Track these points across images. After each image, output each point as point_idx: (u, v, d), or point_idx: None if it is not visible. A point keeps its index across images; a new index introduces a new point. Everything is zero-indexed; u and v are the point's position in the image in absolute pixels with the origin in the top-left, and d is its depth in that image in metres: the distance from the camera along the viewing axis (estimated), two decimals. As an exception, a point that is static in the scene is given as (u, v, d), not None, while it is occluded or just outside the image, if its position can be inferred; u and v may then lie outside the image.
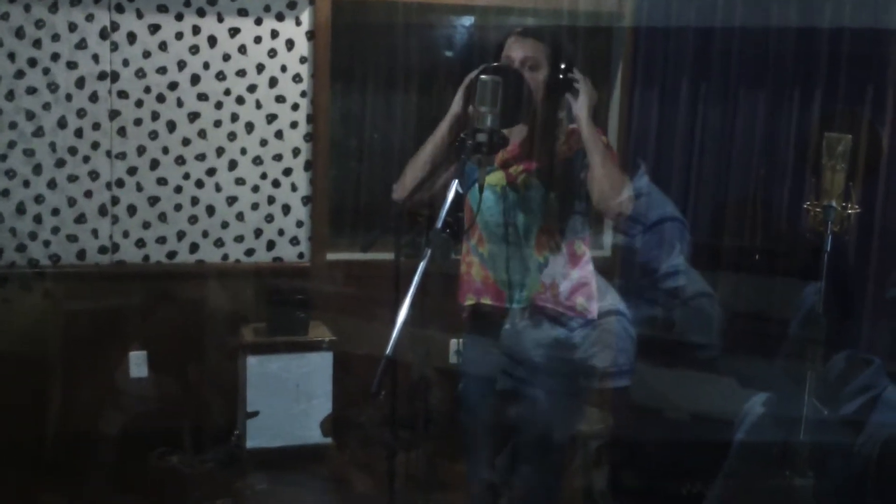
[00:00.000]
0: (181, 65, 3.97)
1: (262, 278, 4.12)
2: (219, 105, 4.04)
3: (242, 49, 4.04)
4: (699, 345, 3.45)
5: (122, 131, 3.94)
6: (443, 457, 3.54)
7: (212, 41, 4.00)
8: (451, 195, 2.08)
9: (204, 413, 4.06)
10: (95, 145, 3.92)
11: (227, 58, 4.02)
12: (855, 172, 2.88)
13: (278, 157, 4.15)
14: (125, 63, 3.90)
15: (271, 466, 3.85)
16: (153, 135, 3.98)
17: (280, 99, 4.11)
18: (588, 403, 3.04)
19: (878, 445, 2.70)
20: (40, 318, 3.90)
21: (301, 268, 4.21)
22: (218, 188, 4.09)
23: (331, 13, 4.09)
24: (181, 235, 4.07)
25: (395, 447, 2.66)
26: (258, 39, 4.05)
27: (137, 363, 4.02)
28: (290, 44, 4.09)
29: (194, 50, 3.98)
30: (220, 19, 4.00)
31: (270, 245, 4.19)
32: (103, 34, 3.87)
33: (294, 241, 4.21)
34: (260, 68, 4.07)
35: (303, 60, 4.11)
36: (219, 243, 4.12)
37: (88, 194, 3.93)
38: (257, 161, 4.12)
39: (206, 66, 4.00)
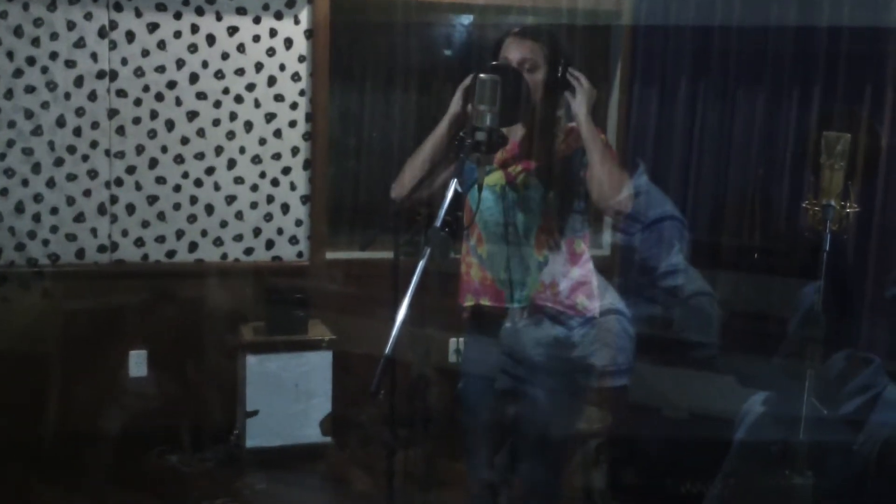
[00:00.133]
0: (180, 63, 3.97)
1: (262, 277, 4.12)
2: (217, 104, 4.04)
3: (241, 48, 4.04)
4: (698, 343, 3.45)
5: (120, 130, 3.94)
6: (442, 456, 3.54)
7: (210, 40, 4.00)
8: (450, 194, 2.07)
9: (203, 412, 4.06)
10: (94, 144, 3.91)
11: (225, 56, 4.02)
12: (854, 171, 2.88)
13: (277, 156, 4.15)
14: (124, 62, 3.90)
15: (271, 465, 3.85)
16: (152, 133, 3.98)
17: (279, 98, 4.11)
18: (587, 402, 3.04)
19: (878, 445, 2.70)
20: (39, 317, 3.90)
21: (300, 267, 4.21)
22: (217, 187, 4.08)
23: (329, 12, 4.09)
24: (180, 234, 4.06)
25: (394, 446, 2.66)
26: (257, 38, 4.05)
27: (136, 362, 4.02)
28: (288, 42, 4.09)
29: (193, 49, 3.98)
30: (219, 18, 3.99)
31: (269, 244, 4.19)
32: (102, 33, 3.86)
33: (293, 240, 4.21)
34: (258, 67, 4.07)
35: (301, 59, 4.11)
36: (218, 242, 4.12)
37: (87, 193, 3.93)
38: (256, 160, 4.12)
39: (205, 64, 4.00)
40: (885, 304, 3.62)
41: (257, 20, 4.04)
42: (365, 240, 4.22)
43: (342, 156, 4.40)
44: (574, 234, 2.47)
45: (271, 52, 4.07)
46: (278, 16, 4.06)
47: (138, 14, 3.89)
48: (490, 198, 2.46)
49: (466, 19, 4.51)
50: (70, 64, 3.84)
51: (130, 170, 3.97)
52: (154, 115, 3.97)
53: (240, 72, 4.05)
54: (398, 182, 2.53)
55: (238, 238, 4.14)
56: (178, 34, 3.95)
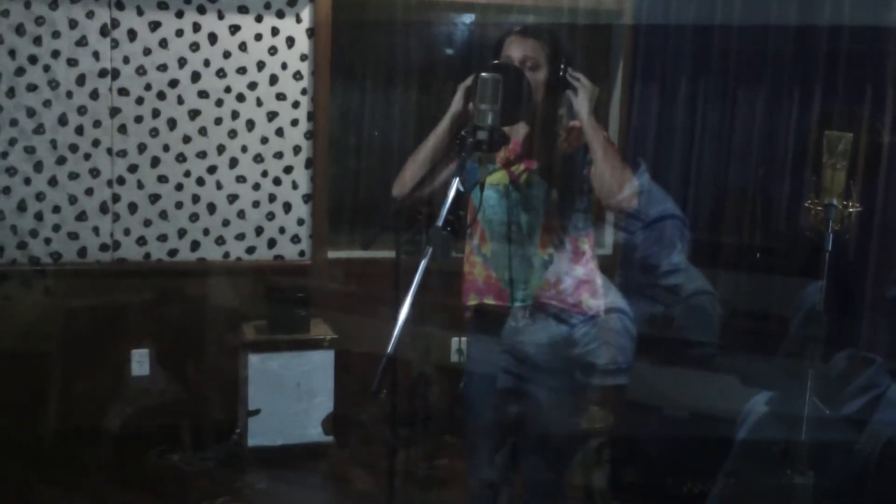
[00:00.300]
0: (182, 62, 3.97)
1: (263, 276, 4.12)
2: (219, 102, 4.04)
3: (243, 46, 4.04)
4: (698, 342, 3.45)
5: (122, 129, 3.94)
6: (443, 455, 3.55)
7: (212, 38, 4.00)
8: (451, 193, 2.07)
9: (205, 411, 4.07)
10: (96, 143, 3.92)
11: (227, 55, 4.02)
12: (855, 171, 2.88)
13: (279, 155, 4.15)
14: (126, 60, 3.90)
15: (272, 464, 3.85)
16: (154, 132, 3.98)
17: (281, 96, 4.11)
18: (589, 401, 3.04)
19: (881, 445, 2.70)
20: (41, 315, 3.90)
21: (302, 266, 4.21)
22: (219, 186, 4.09)
23: (331, 10, 4.09)
24: (182, 233, 4.07)
25: (395, 445, 2.66)
26: (259, 37, 4.05)
27: (138, 361, 4.02)
28: (290, 41, 4.09)
29: (195, 47, 3.98)
30: (221, 16, 4.00)
31: (271, 243, 4.19)
32: (104, 31, 3.87)
33: (295, 238, 4.22)
34: (260, 66, 4.07)
35: (303, 58, 4.11)
36: (220, 241, 4.12)
37: (89, 192, 3.93)
38: (258, 159, 4.12)
39: (207, 63, 4.00)
40: (887, 304, 3.62)
41: (259, 19, 4.04)
42: (366, 239, 4.22)
43: (344, 154, 4.40)
44: (577, 233, 2.48)
45: (273, 50, 4.08)
46: (280, 14, 4.06)
47: (140, 12, 3.89)
48: (493, 197, 2.46)
49: (468, 18, 4.51)
50: (72, 62, 3.84)
51: (132, 168, 3.98)
52: (156, 113, 3.97)
53: (242, 70, 4.05)
54: (399, 181, 2.53)
55: (240, 237, 4.14)
56: (179, 33, 3.95)
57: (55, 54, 3.82)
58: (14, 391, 3.81)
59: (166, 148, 4.00)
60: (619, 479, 3.37)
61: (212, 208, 4.09)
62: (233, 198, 4.11)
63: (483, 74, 2.19)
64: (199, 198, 4.07)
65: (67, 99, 3.85)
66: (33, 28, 3.79)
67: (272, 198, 4.16)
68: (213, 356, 4.05)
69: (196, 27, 3.97)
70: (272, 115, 4.11)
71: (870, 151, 3.31)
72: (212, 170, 4.07)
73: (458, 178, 2.09)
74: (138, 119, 3.95)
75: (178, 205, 4.05)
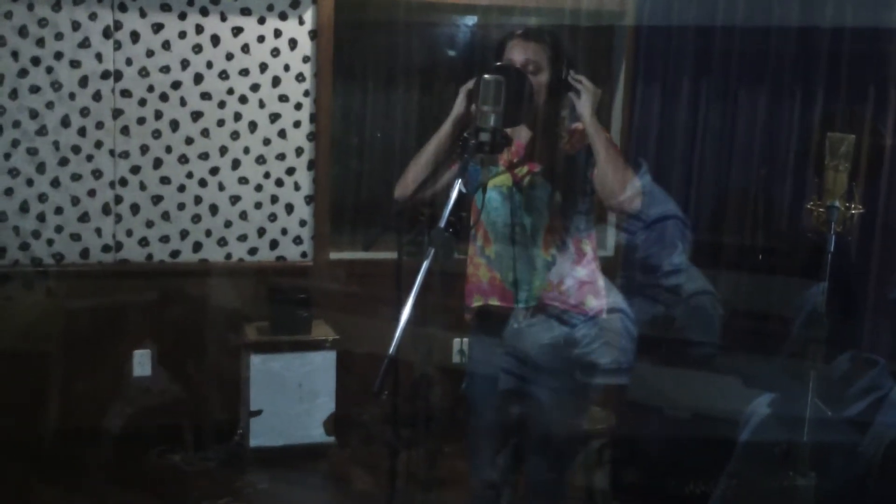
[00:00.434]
0: (184, 64, 3.98)
1: (266, 277, 4.13)
2: (222, 104, 4.05)
3: (245, 48, 4.04)
4: (699, 342, 3.45)
5: (125, 130, 3.95)
6: (444, 455, 3.55)
7: (215, 40, 4.01)
8: (453, 194, 2.08)
9: (206, 411, 4.07)
10: (99, 144, 3.92)
11: (230, 57, 4.03)
12: (857, 172, 2.88)
13: (281, 157, 4.15)
14: (128, 62, 3.91)
15: (274, 465, 3.86)
16: (156, 134, 3.99)
17: (283, 98, 4.12)
18: (591, 402, 3.04)
19: (883, 447, 2.70)
20: (43, 316, 3.91)
21: (304, 267, 4.22)
22: (221, 187, 4.09)
23: (333, 12, 4.09)
24: (184, 234, 4.07)
25: (397, 446, 2.66)
26: (261, 38, 4.05)
27: (140, 362, 4.03)
28: (293, 43, 4.10)
29: (197, 49, 3.99)
30: (224, 18, 4.00)
31: (273, 244, 4.19)
32: (106, 33, 3.87)
33: (297, 240, 4.22)
34: (263, 67, 4.07)
35: (306, 59, 4.12)
36: (222, 242, 4.12)
37: (92, 193, 3.94)
38: (260, 160, 4.13)
39: (210, 65, 4.01)
40: (889, 306, 3.62)
41: (262, 21, 4.05)
42: (368, 240, 4.23)
43: (346, 156, 4.41)
44: (580, 234, 2.48)
45: (276, 52, 4.08)
46: (283, 16, 4.07)
47: (143, 14, 3.90)
48: (497, 199, 2.47)
49: (470, 20, 4.52)
50: (75, 64, 3.85)
51: (135, 170, 3.98)
52: (159, 115, 3.98)
53: (244, 72, 4.05)
54: (401, 183, 2.54)
55: (242, 238, 4.15)
56: (182, 34, 3.96)
57: (58, 56, 3.83)
58: (16, 391, 3.82)
59: (169, 149, 4.01)
60: (621, 479, 3.37)
61: (214, 209, 4.09)
62: (235, 199, 4.12)
63: (485, 76, 2.19)
64: (202, 199, 4.07)
65: (70, 100, 3.86)
66: (36, 30, 3.79)
67: (274, 199, 4.17)
68: (214, 357, 4.05)
69: (199, 29, 3.98)
70: (274, 117, 4.12)
71: (872, 153, 3.31)
72: (214, 171, 4.08)
73: (460, 180, 2.09)
74: (141, 120, 3.96)
75: (181, 206, 4.05)
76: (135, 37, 3.90)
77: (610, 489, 3.36)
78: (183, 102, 4.00)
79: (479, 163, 2.31)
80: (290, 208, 4.19)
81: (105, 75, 3.89)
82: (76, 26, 3.83)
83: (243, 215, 4.14)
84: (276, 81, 4.10)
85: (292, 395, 3.91)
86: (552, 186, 2.43)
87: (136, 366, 4.02)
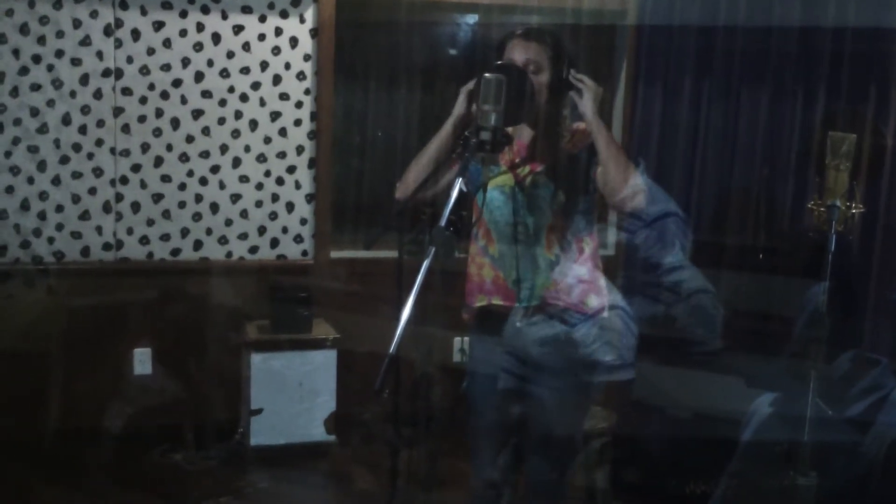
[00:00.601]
0: (185, 62, 3.98)
1: (266, 276, 4.13)
2: (223, 102, 4.04)
3: (246, 46, 4.04)
4: (699, 341, 3.45)
5: (126, 128, 3.95)
6: (445, 455, 3.55)
7: (216, 38, 4.00)
8: (454, 193, 2.07)
9: (207, 410, 4.07)
10: (99, 142, 3.92)
11: (231, 55, 4.02)
12: (859, 172, 2.88)
13: (282, 155, 4.15)
14: (129, 60, 3.91)
15: (275, 464, 3.86)
16: (157, 132, 3.99)
17: (284, 96, 4.12)
18: (592, 401, 3.04)
19: (885, 447, 2.70)
20: (43, 314, 3.90)
21: (304, 265, 4.22)
22: (222, 185, 4.09)
23: (334, 10, 4.09)
24: (185, 233, 4.07)
25: (397, 445, 2.66)
26: (262, 37, 4.05)
27: (141, 360, 4.03)
28: (294, 41, 4.09)
29: (198, 47, 3.98)
30: (224, 16, 4.00)
31: (274, 243, 4.19)
32: (107, 31, 3.87)
33: (298, 238, 4.22)
34: (264, 66, 4.07)
35: (307, 58, 4.12)
36: (223, 241, 4.12)
37: (93, 191, 3.93)
38: (261, 158, 4.13)
39: (210, 63, 4.01)
40: (890, 305, 3.62)
41: (263, 19, 4.04)
42: (369, 239, 4.23)
43: (347, 154, 4.40)
44: (582, 233, 2.48)
45: (276, 50, 4.08)
46: (284, 14, 4.06)
47: (144, 12, 3.90)
48: (500, 198, 2.46)
49: (471, 19, 4.51)
50: (76, 62, 3.85)
51: (136, 168, 3.98)
52: (159, 113, 3.97)
53: (245, 70, 4.05)
54: (402, 182, 2.54)
55: (243, 236, 4.15)
56: (183, 32, 3.96)
57: (59, 54, 3.82)
58: (16, 390, 3.82)
59: (169, 147, 4.01)
60: (622, 479, 3.37)
61: (215, 208, 4.09)
62: (236, 197, 4.12)
63: (486, 75, 2.19)
64: (202, 197, 4.07)
65: (71, 98, 3.86)
66: (37, 27, 3.79)
67: (275, 197, 4.17)
68: (215, 355, 4.05)
69: (199, 27, 3.97)
70: (275, 115, 4.12)
71: (873, 153, 3.31)
72: (215, 169, 4.08)
73: (461, 179, 2.09)
74: (141, 118, 3.96)
75: (181, 204, 4.05)
76: (136, 35, 3.90)
77: (611, 489, 3.36)
78: (184, 100, 4.00)
79: (480, 162, 2.31)
80: (290, 207, 4.19)
81: (106, 73, 3.89)
82: (77, 24, 3.83)
83: (244, 214, 4.13)
84: (276, 79, 4.09)
85: (293, 394, 3.91)
86: (554, 186, 2.43)
87: (137, 364, 4.02)
